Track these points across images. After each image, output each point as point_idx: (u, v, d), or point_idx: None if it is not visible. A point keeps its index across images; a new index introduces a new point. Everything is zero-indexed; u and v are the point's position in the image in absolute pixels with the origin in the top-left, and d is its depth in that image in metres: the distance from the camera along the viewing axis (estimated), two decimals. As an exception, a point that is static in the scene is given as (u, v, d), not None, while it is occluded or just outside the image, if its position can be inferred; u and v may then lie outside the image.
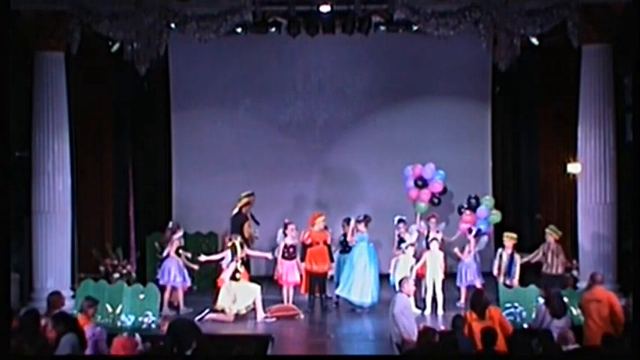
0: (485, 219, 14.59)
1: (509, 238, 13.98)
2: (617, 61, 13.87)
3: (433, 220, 14.60)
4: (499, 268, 13.86)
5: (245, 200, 14.93)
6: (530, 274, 14.10)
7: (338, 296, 14.44)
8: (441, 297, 13.77)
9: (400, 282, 11.44)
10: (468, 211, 14.65)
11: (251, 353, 10.90)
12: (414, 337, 10.26)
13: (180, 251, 14.37)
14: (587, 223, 13.91)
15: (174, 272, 14.14)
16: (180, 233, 14.43)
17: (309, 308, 14.27)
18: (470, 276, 14.31)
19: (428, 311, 13.68)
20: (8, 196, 9.32)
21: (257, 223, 15.08)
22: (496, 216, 14.77)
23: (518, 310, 12.75)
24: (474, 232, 14.43)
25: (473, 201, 14.74)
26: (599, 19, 13.52)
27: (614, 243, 13.77)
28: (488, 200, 14.90)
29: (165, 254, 14.39)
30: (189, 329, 9.12)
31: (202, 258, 14.20)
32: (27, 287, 14.01)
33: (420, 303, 13.70)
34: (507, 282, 13.67)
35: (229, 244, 13.90)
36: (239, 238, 13.87)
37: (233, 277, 13.57)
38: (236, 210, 14.91)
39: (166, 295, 13.98)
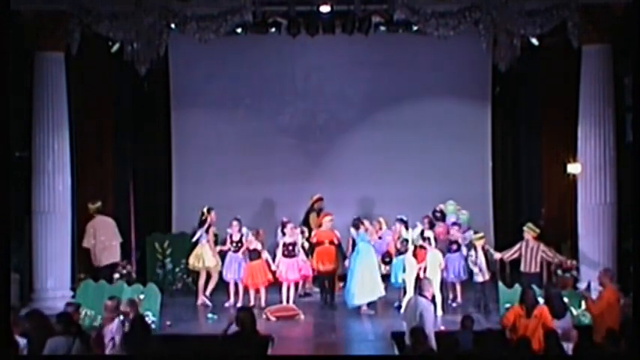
0: (455, 223, 14.68)
1: (479, 240, 14.00)
2: (617, 61, 13.88)
3: (426, 220, 14.59)
4: (472, 269, 13.92)
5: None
6: (514, 273, 14.12)
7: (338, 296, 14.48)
8: (440, 297, 13.76)
9: (419, 285, 11.15)
10: (439, 223, 14.76)
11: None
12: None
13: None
14: (587, 223, 13.92)
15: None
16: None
17: (326, 305, 14.37)
18: (456, 270, 14.30)
19: (440, 312, 13.64)
20: (8, 196, 9.32)
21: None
22: (465, 216, 14.93)
23: (518, 310, 12.75)
24: (457, 226, 14.48)
25: (438, 214, 14.96)
26: (599, 19, 13.53)
27: (614, 243, 13.77)
28: (451, 205, 15.12)
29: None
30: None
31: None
32: (27, 287, 14.03)
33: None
34: (480, 279, 13.78)
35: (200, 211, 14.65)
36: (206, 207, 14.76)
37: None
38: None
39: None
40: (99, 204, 14.99)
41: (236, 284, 14.67)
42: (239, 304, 14.21)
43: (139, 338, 9.99)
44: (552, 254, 13.76)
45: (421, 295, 10.56)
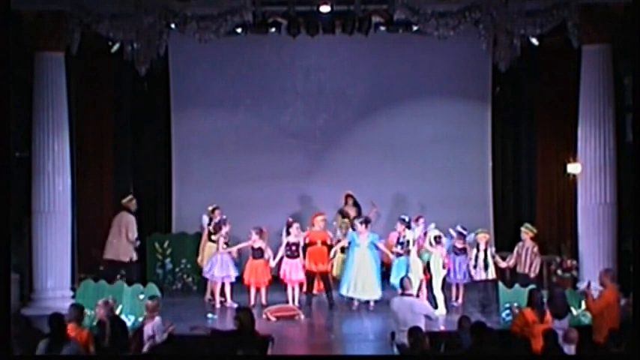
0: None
1: (483, 235, 13.96)
2: (617, 61, 13.88)
3: (421, 220, 14.51)
4: (475, 266, 13.85)
5: None
6: (514, 273, 14.08)
7: (340, 295, 14.45)
8: (442, 297, 13.75)
9: (403, 284, 11.23)
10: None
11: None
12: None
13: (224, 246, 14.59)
14: (587, 223, 13.92)
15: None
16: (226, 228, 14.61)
17: (307, 306, 14.33)
18: (462, 272, 14.26)
19: (443, 311, 13.61)
20: (8, 196, 9.32)
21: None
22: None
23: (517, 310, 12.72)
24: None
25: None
26: (599, 19, 13.53)
27: (614, 243, 13.77)
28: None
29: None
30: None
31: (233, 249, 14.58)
32: (27, 287, 14.02)
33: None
34: (483, 277, 13.72)
35: (209, 209, 14.91)
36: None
37: (210, 239, 14.74)
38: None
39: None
40: (126, 199, 15.07)
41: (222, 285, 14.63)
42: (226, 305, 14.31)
43: (112, 340, 10.00)
44: (535, 259, 13.68)
45: (405, 294, 10.78)
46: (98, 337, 10.16)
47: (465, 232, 14.29)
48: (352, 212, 15.86)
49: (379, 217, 15.91)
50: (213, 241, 14.72)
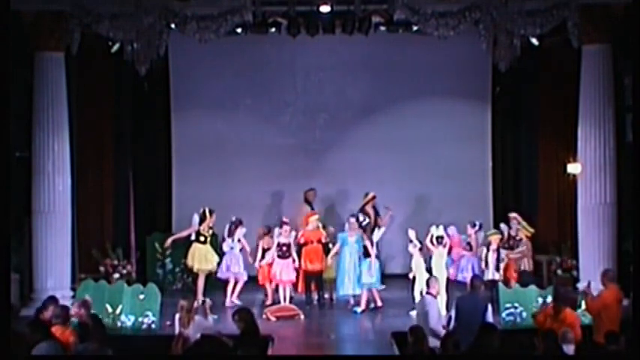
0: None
1: (494, 235, 13.97)
2: (617, 61, 13.89)
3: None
4: (486, 266, 13.83)
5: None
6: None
7: (340, 297, 14.47)
8: (445, 297, 13.73)
9: (427, 283, 11.26)
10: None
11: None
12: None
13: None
14: (587, 223, 13.92)
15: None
16: (242, 230, 14.62)
17: (307, 306, 14.34)
18: (472, 271, 14.23)
19: (443, 312, 13.57)
20: (8, 196, 9.32)
21: None
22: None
23: (518, 310, 12.74)
24: (477, 227, 14.39)
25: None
26: (599, 19, 13.54)
27: (614, 243, 13.77)
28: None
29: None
30: None
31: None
32: (27, 287, 14.03)
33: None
34: (493, 277, 13.69)
35: (201, 210, 14.47)
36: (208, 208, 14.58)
37: (197, 240, 14.44)
38: None
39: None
40: (306, 189, 15.98)
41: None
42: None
43: (94, 339, 9.94)
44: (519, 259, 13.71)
45: (428, 292, 10.89)
46: (83, 337, 10.04)
47: (477, 224, 14.31)
48: (372, 212, 15.71)
49: (393, 220, 15.77)
50: (201, 242, 14.54)
